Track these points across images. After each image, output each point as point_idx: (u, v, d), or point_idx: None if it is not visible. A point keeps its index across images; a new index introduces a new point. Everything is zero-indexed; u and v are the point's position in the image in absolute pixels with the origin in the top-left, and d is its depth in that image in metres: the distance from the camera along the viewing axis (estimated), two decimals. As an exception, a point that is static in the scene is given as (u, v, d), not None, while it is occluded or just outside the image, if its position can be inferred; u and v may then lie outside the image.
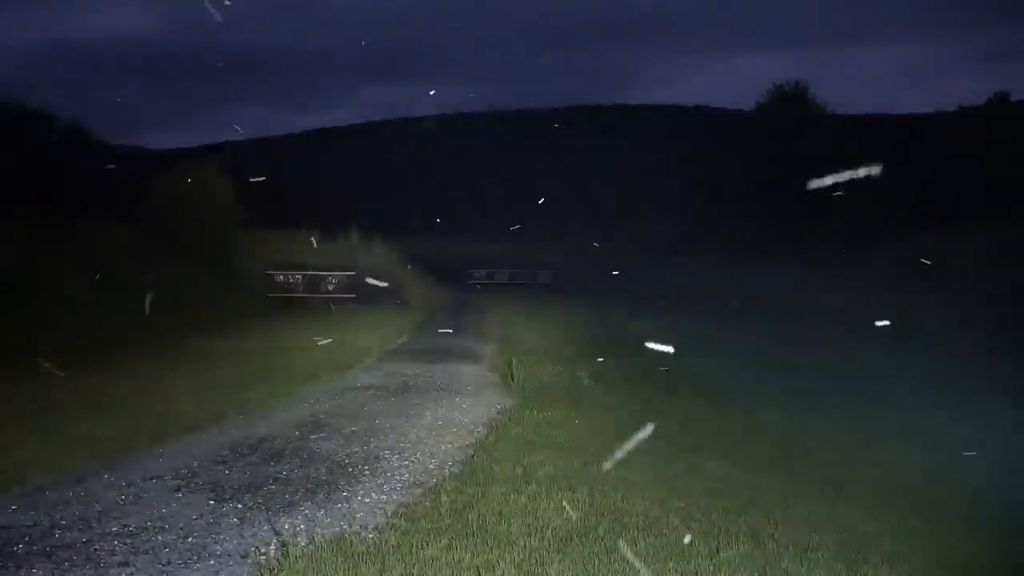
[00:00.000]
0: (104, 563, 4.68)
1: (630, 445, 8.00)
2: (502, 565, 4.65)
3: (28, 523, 5.35)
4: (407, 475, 6.73)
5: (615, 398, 11.22)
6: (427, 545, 4.92)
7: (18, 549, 4.89)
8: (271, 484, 6.34)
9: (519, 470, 6.81)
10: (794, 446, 9.12)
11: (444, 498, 5.95)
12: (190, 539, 5.07)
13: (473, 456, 7.37)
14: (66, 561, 4.70)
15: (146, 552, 4.85)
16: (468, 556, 4.76)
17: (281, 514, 5.59)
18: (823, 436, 9.90)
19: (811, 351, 17.43)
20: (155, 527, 5.28)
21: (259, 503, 5.83)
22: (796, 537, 5.40)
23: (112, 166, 27.49)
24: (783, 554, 5.02)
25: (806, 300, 24.66)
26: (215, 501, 5.86)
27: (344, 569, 4.57)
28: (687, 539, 5.10)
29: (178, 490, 6.14)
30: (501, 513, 5.58)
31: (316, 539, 5.08)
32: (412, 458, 7.30)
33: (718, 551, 5.02)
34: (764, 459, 8.00)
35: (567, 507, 5.72)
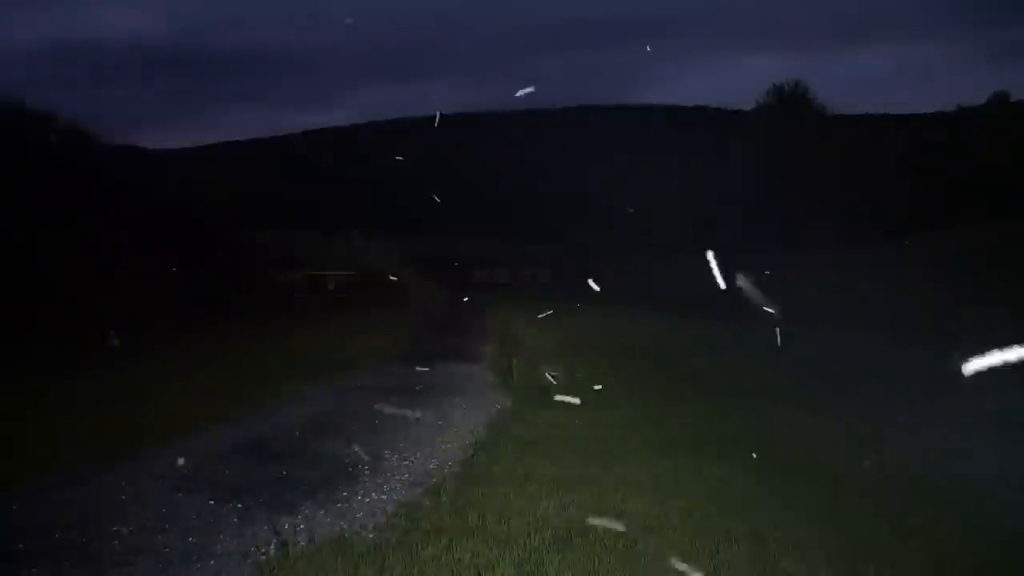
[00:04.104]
0: (104, 563, 4.68)
1: (630, 445, 8.00)
2: (502, 565, 4.65)
3: (29, 523, 5.35)
4: (407, 475, 6.73)
5: (616, 398, 11.21)
6: (427, 545, 4.92)
7: (19, 548, 4.89)
8: (271, 484, 6.34)
9: (519, 470, 6.80)
10: (796, 446, 9.12)
11: (444, 498, 5.95)
12: (190, 539, 5.07)
13: (473, 456, 7.37)
14: (66, 561, 4.70)
15: (146, 552, 4.85)
16: (468, 556, 4.76)
17: (281, 514, 5.59)
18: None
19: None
20: (155, 527, 5.27)
21: (259, 503, 5.83)
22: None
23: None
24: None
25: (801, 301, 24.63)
26: (215, 501, 5.86)
27: (344, 569, 4.57)
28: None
29: (178, 490, 6.14)
30: (501, 513, 5.58)
31: (316, 539, 5.08)
32: (412, 458, 7.30)
33: (718, 551, 5.02)
34: (765, 462, 7.99)
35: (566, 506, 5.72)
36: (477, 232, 55.09)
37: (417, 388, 11.46)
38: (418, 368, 13.59)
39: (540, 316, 24.04)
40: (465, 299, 31.78)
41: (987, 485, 6.94)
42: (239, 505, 5.76)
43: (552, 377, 11.65)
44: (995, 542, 5.59)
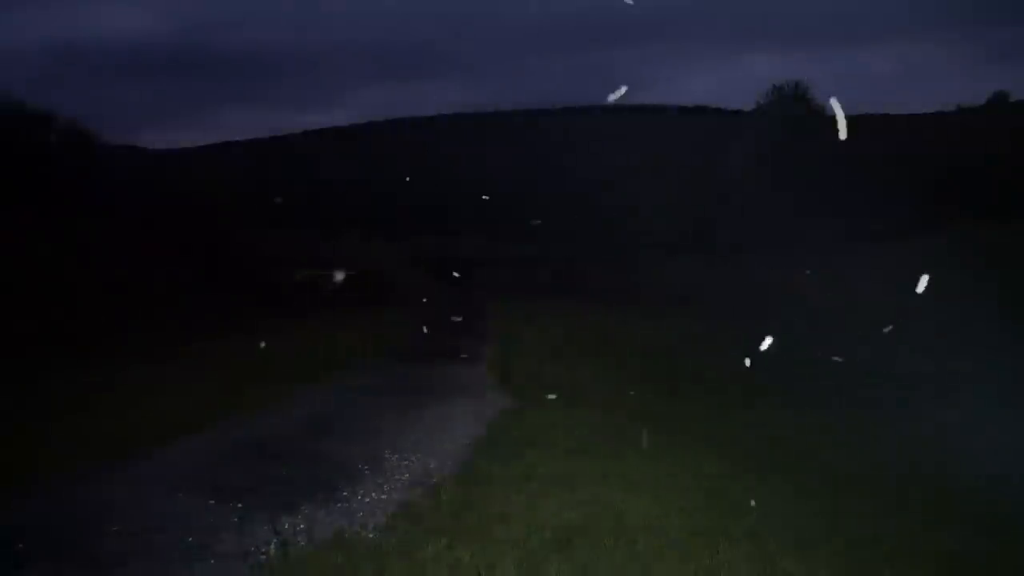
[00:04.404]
0: (104, 563, 4.68)
1: (631, 445, 8.01)
2: (502, 565, 4.64)
3: (29, 523, 5.34)
4: (407, 475, 6.72)
5: (616, 398, 11.22)
6: (427, 545, 4.91)
7: (19, 548, 4.88)
8: (271, 484, 6.33)
9: (519, 470, 6.80)
10: (796, 445, 9.14)
11: (444, 498, 5.94)
12: (190, 539, 5.07)
13: (473, 456, 7.36)
14: (67, 561, 4.70)
15: (146, 552, 4.85)
16: (468, 556, 4.76)
17: (281, 514, 5.58)
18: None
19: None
20: (155, 527, 5.27)
21: (259, 503, 5.83)
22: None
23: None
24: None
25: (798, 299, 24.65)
26: (215, 501, 5.85)
27: (344, 569, 4.57)
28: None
29: (178, 490, 6.14)
30: (501, 513, 5.57)
31: (316, 539, 5.08)
32: (412, 458, 7.29)
33: (718, 551, 5.01)
34: (765, 460, 8.01)
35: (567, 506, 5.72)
36: (477, 232, 54.99)
37: (417, 387, 11.46)
38: (418, 368, 13.59)
39: (540, 316, 23.97)
40: (465, 299, 31.76)
41: (983, 486, 6.95)
42: (239, 505, 5.76)
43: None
44: (995, 542, 5.60)
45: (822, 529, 5.71)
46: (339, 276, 31.22)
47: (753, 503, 6.12)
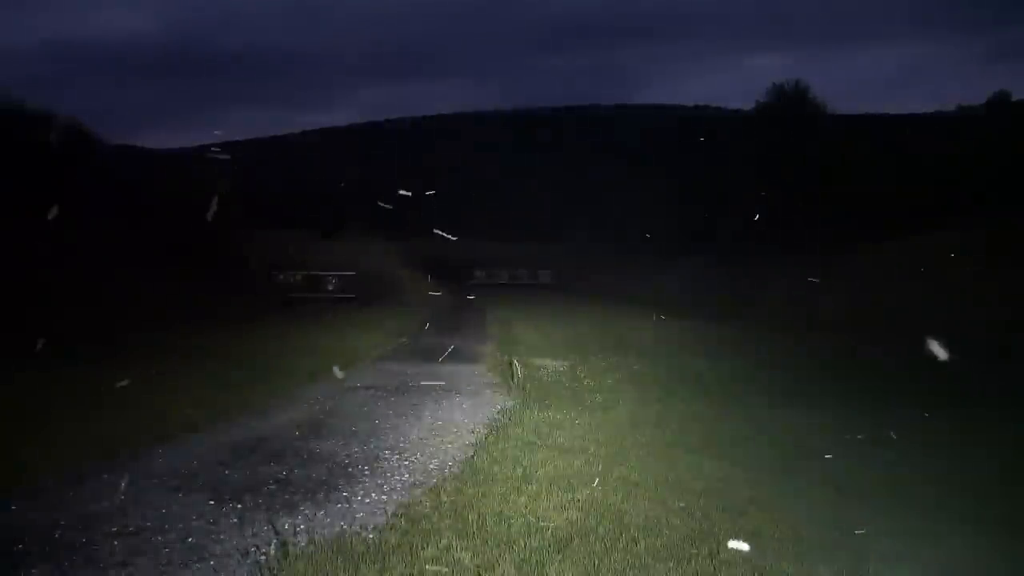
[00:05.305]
0: (104, 563, 4.67)
1: (630, 444, 8.01)
2: (502, 565, 4.65)
3: (29, 523, 5.34)
4: (407, 475, 6.72)
5: (616, 398, 11.21)
6: (427, 545, 4.92)
7: (19, 549, 4.88)
8: (271, 484, 6.33)
9: (519, 470, 6.80)
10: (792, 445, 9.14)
11: (444, 498, 5.94)
12: (190, 539, 5.07)
13: (473, 456, 7.36)
14: (66, 561, 4.69)
15: (146, 552, 4.85)
16: (468, 556, 4.76)
17: (281, 514, 5.59)
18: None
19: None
20: (155, 527, 5.27)
21: (259, 503, 5.83)
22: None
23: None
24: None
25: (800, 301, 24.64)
26: (215, 501, 5.86)
27: (344, 569, 4.57)
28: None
29: (178, 490, 6.14)
30: (501, 513, 5.57)
31: (316, 539, 5.08)
32: (412, 458, 7.30)
33: (718, 551, 5.02)
34: (764, 463, 8.00)
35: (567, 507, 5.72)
36: (476, 232, 55.05)
37: (416, 386, 11.46)
38: (417, 368, 13.58)
39: (540, 316, 23.96)
40: (465, 299, 31.77)
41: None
42: (239, 505, 5.76)
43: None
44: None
45: (823, 531, 5.76)
46: (338, 276, 31.25)
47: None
